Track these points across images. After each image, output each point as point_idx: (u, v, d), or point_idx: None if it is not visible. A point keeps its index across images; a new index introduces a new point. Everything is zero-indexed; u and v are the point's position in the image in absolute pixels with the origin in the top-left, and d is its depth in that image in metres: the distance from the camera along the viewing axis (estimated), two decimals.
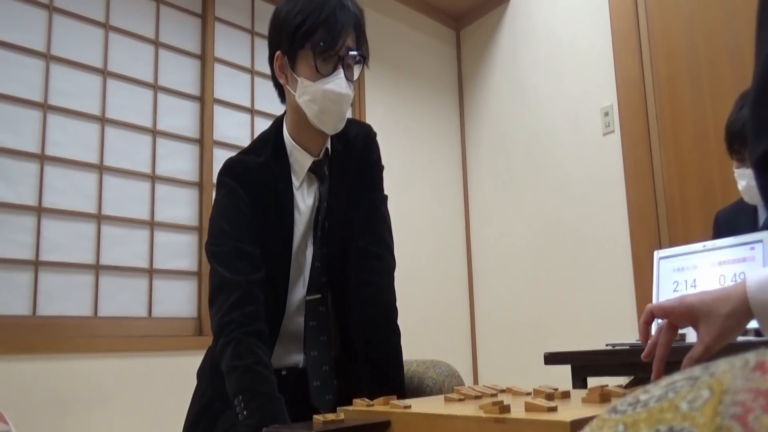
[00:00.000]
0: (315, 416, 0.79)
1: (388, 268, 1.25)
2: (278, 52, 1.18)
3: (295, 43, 1.14)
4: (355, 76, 1.20)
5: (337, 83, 1.13)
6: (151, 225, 2.38)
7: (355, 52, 1.17)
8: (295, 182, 1.21)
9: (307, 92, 1.14)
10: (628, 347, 1.45)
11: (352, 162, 1.26)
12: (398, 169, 3.17)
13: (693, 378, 0.27)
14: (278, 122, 1.27)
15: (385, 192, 1.31)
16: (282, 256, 1.17)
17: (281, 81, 1.20)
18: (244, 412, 0.99)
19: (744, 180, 1.54)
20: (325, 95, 1.13)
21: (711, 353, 0.75)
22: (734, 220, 1.69)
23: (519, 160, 3.19)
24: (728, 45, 2.39)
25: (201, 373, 1.26)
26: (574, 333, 2.81)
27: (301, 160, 1.21)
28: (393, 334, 1.22)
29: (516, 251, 3.15)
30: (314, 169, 1.22)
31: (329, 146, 1.25)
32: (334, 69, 1.14)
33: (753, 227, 1.59)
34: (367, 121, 3.01)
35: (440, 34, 3.61)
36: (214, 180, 2.52)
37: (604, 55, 2.80)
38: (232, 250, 1.12)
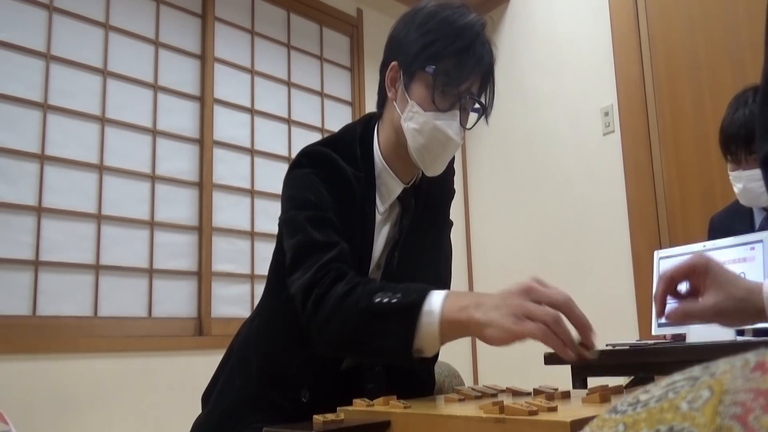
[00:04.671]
0: (315, 416, 0.78)
1: None
2: (394, 63, 1.05)
3: (416, 62, 1.00)
4: (470, 124, 1.06)
5: (450, 125, 1.01)
6: (151, 225, 2.38)
7: (476, 100, 1.04)
8: (380, 207, 1.08)
9: (415, 120, 1.01)
10: (628, 347, 1.45)
11: (436, 188, 1.14)
12: None
13: (693, 378, 0.27)
14: (367, 131, 1.10)
15: None
16: None
17: (389, 94, 1.07)
18: (390, 298, 0.87)
19: (740, 183, 1.53)
20: (434, 132, 1.00)
21: (710, 315, 0.81)
22: (730, 224, 1.68)
23: (519, 160, 3.19)
24: (728, 45, 2.39)
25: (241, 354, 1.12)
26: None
27: (390, 185, 1.08)
28: (428, 382, 1.15)
29: (516, 251, 3.15)
30: (402, 197, 1.09)
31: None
32: (451, 107, 1.01)
33: (749, 230, 1.59)
34: None
35: None
36: (215, 180, 2.55)
37: (604, 55, 2.80)
38: (325, 217, 0.98)
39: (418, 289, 0.87)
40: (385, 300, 0.86)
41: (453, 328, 0.82)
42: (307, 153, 1.05)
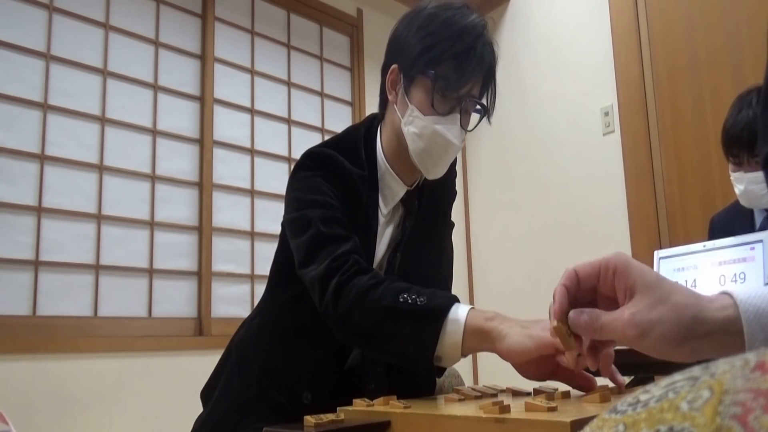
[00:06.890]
0: (306, 417, 0.78)
1: None
2: (395, 66, 1.05)
3: (415, 66, 1.00)
4: (471, 126, 1.06)
5: (450, 129, 1.00)
6: (151, 225, 2.38)
7: (477, 101, 1.04)
8: (383, 209, 1.08)
9: (415, 124, 1.01)
10: (628, 347, 1.44)
11: (438, 189, 1.14)
12: None
13: (693, 378, 0.27)
14: (370, 133, 1.10)
15: None
16: None
17: (390, 97, 1.07)
18: (416, 298, 0.86)
19: (741, 184, 1.52)
20: (433, 137, 1.00)
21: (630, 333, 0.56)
22: (730, 224, 1.68)
23: (519, 160, 3.19)
24: (728, 45, 2.39)
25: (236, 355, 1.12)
26: None
27: (393, 188, 1.08)
28: (428, 382, 1.14)
29: (516, 251, 3.15)
30: (405, 199, 1.09)
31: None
32: (451, 111, 1.01)
33: (750, 230, 1.58)
34: None
35: None
36: (214, 180, 2.55)
37: (604, 55, 2.80)
38: (334, 216, 0.97)
39: (445, 295, 0.87)
40: (410, 300, 0.85)
41: (475, 337, 0.82)
42: (312, 154, 1.05)
